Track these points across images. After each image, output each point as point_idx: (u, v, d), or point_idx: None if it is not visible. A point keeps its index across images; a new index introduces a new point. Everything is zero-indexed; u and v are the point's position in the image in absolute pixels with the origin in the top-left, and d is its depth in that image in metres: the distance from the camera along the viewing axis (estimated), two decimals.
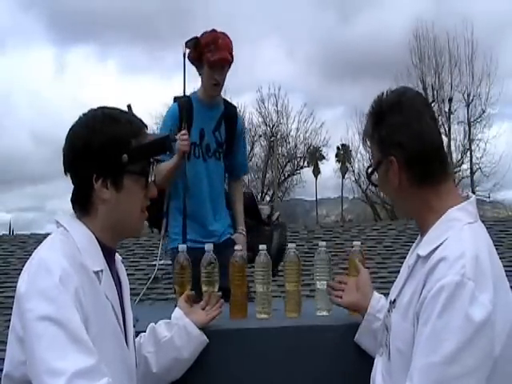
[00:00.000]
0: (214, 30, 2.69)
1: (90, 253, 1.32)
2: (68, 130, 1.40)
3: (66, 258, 1.25)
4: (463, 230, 1.25)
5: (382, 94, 1.40)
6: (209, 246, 1.90)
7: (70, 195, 1.40)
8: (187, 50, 2.69)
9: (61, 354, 1.14)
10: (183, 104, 2.73)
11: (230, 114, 2.83)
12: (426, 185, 1.33)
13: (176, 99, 2.79)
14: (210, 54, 2.62)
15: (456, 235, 1.24)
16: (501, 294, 1.18)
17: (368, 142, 1.42)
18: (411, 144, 1.31)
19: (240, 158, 2.91)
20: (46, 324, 1.15)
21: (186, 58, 2.72)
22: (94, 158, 1.34)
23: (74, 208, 1.39)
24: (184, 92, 2.73)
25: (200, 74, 2.73)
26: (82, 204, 1.37)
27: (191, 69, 2.73)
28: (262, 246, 1.92)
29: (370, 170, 1.43)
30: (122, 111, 1.43)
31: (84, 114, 1.41)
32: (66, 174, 1.39)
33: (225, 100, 2.88)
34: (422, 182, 1.33)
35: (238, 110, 2.98)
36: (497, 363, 1.14)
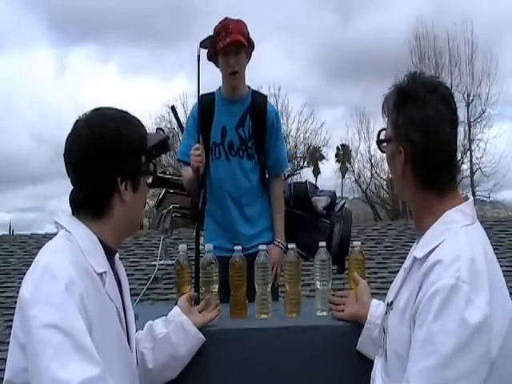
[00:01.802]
0: (225, 18, 2.51)
1: (93, 255, 1.32)
2: (76, 130, 1.36)
3: (71, 263, 1.24)
4: (459, 233, 1.25)
5: (420, 73, 1.36)
6: (209, 247, 1.90)
7: (75, 200, 1.36)
8: (202, 51, 2.49)
9: (65, 363, 1.13)
10: (205, 103, 2.56)
11: (258, 106, 2.58)
12: (431, 190, 1.31)
13: (200, 98, 2.58)
14: (221, 41, 2.45)
15: (452, 238, 1.24)
16: (498, 295, 1.18)
17: (386, 112, 1.38)
18: (421, 144, 1.29)
19: (274, 153, 2.63)
20: (51, 332, 1.15)
21: (206, 58, 2.55)
22: (120, 160, 1.35)
23: (79, 212, 1.36)
24: (198, 95, 2.52)
25: (220, 70, 2.57)
26: (98, 208, 1.35)
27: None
28: (263, 246, 1.93)
29: (381, 137, 1.41)
30: (128, 112, 1.45)
31: (92, 114, 1.39)
32: (76, 175, 1.35)
33: (254, 91, 2.65)
34: (427, 187, 1.31)
35: (268, 99, 2.70)
36: (494, 365, 1.14)
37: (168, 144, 1.57)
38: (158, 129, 1.59)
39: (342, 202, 2.73)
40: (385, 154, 1.42)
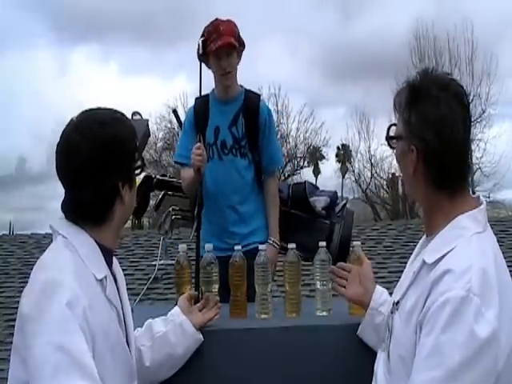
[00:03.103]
0: (216, 19, 2.53)
1: (93, 261, 1.31)
2: (70, 139, 1.31)
3: (73, 274, 1.23)
4: (471, 241, 1.23)
5: (432, 70, 1.34)
6: (209, 247, 1.90)
7: (74, 210, 1.33)
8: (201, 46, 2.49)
9: (64, 382, 1.13)
10: (199, 105, 2.59)
11: (250, 105, 2.59)
12: (443, 190, 1.29)
13: (195, 100, 2.64)
14: (213, 43, 2.45)
15: (463, 246, 1.22)
16: (506, 306, 1.16)
17: (397, 108, 1.36)
18: (434, 143, 1.27)
19: (268, 151, 2.61)
20: (51, 350, 1.14)
21: (197, 59, 2.53)
22: (119, 164, 1.33)
23: (78, 219, 1.33)
24: (200, 93, 2.55)
25: (212, 71, 2.57)
26: (100, 215, 1.34)
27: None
28: (263, 246, 1.93)
29: (390, 133, 1.38)
30: (114, 109, 1.43)
31: (82, 120, 1.35)
32: (75, 185, 1.31)
33: (247, 91, 2.64)
34: (438, 186, 1.30)
35: (261, 98, 2.69)
36: (500, 376, 1.13)
37: (149, 129, 1.54)
38: (134, 113, 1.53)
39: (343, 202, 2.70)
40: (385, 153, 1.42)
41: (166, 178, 3.45)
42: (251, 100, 2.62)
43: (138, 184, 1.43)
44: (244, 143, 2.58)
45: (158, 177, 3.16)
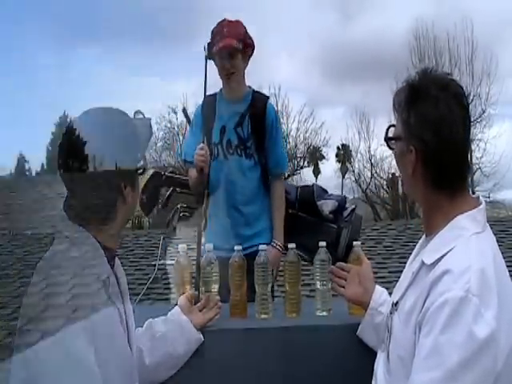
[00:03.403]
0: (224, 20, 2.53)
1: (96, 261, 1.31)
2: (72, 141, 1.32)
3: (76, 276, 1.24)
4: (470, 241, 1.23)
5: (431, 70, 1.33)
6: (209, 247, 1.90)
7: (77, 211, 1.33)
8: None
9: (65, 383, 1.15)
10: (207, 104, 2.59)
11: (257, 106, 2.58)
12: (442, 190, 1.29)
13: (203, 99, 2.61)
14: (216, 45, 2.46)
15: (462, 246, 1.22)
16: (506, 307, 1.16)
17: (396, 107, 1.36)
18: (432, 144, 1.27)
19: (274, 153, 2.61)
20: (53, 350, 1.15)
21: (200, 58, 2.51)
22: (124, 166, 1.34)
23: (81, 221, 1.33)
24: (204, 95, 2.53)
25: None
26: (103, 216, 1.34)
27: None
28: (263, 246, 1.93)
29: (389, 134, 1.38)
30: (116, 110, 1.43)
31: (86, 123, 1.35)
32: (78, 187, 1.31)
33: (255, 92, 2.65)
34: (437, 186, 1.30)
35: (269, 100, 2.67)
36: (499, 376, 1.13)
37: (151, 128, 1.55)
38: (136, 112, 1.53)
39: (352, 207, 2.69)
40: (385, 153, 1.42)
41: (174, 175, 3.44)
42: (258, 101, 2.61)
43: (146, 180, 1.44)
44: (250, 144, 2.58)
45: (166, 173, 3.15)
